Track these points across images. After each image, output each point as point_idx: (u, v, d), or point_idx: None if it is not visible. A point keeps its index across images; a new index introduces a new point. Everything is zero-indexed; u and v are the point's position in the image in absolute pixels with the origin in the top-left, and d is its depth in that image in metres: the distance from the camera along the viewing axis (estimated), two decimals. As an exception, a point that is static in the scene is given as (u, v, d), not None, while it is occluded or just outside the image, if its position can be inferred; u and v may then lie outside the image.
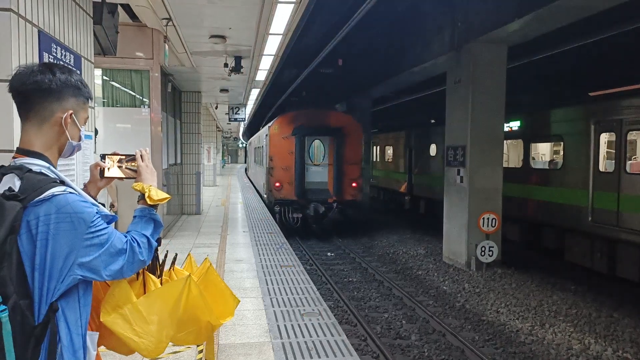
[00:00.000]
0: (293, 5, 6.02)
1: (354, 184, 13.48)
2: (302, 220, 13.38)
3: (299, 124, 13.54)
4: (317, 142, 13.68)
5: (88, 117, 1.64)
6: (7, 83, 2.16)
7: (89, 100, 1.59)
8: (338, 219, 13.74)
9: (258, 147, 19.52)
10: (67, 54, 2.74)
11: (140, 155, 1.71)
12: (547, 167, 10.82)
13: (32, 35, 2.34)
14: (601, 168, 9.09)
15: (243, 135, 55.59)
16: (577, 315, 7.46)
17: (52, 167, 1.47)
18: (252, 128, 46.52)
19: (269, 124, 14.51)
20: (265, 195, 14.93)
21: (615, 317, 7.35)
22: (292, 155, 13.38)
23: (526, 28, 8.66)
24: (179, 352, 3.82)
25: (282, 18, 6.60)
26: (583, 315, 7.43)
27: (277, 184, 13.49)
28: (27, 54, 2.30)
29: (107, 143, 8.21)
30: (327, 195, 13.33)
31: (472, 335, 6.79)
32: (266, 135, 14.54)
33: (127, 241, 1.47)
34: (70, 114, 1.49)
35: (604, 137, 9.19)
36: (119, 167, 1.70)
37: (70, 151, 1.58)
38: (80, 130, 1.55)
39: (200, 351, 3.82)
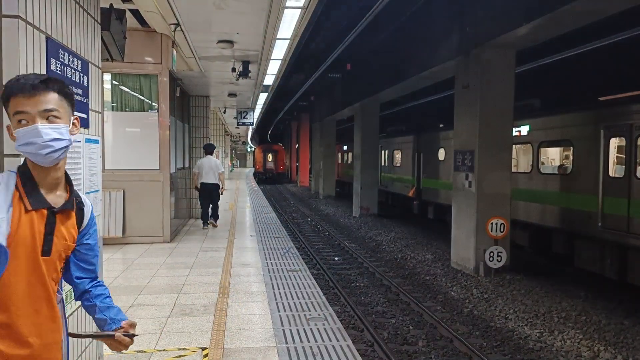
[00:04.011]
0: (300, 10, 6.04)
1: (281, 167, 43.16)
2: (263, 177, 41.29)
3: (264, 148, 43.38)
4: (270, 153, 42.78)
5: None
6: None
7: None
8: (276, 179, 41.91)
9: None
10: (75, 59, 2.77)
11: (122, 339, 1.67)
12: (557, 172, 10.74)
13: (39, 42, 2.36)
14: (611, 173, 9.00)
15: (251, 139, 56.05)
16: (587, 322, 7.38)
17: None
18: (261, 133, 49.65)
19: (254, 148, 52.28)
20: (254, 170, 45.36)
21: (626, 325, 7.26)
22: (262, 158, 43.00)
23: (535, 32, 8.62)
24: (184, 355, 3.83)
25: (290, 23, 6.63)
26: (593, 322, 7.34)
27: (258, 166, 43.40)
28: (35, 60, 2.32)
29: (116, 147, 8.29)
30: (273, 171, 42.42)
31: (480, 342, 6.73)
32: (254, 151, 51.02)
33: None
34: None
35: (614, 142, 9.10)
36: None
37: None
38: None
39: (206, 355, 3.83)
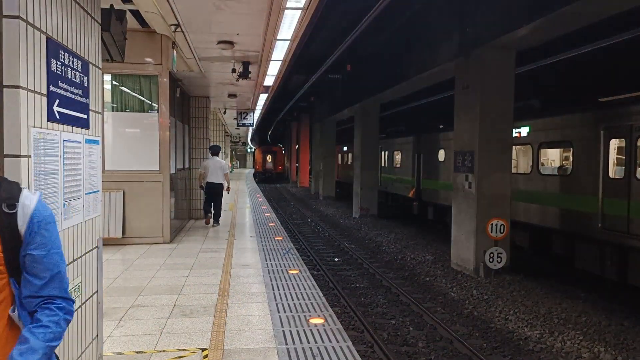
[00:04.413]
0: (300, 11, 6.04)
1: (280, 167, 46.54)
2: (263, 177, 44.47)
3: (264, 150, 46.56)
4: (269, 154, 45.99)
5: None
6: (16, 89, 2.19)
7: None
8: (275, 178, 44.90)
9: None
10: (75, 60, 2.77)
11: None
12: (557, 173, 10.74)
13: (40, 42, 2.36)
14: (611, 174, 9.00)
15: (251, 140, 56.49)
16: (587, 323, 7.38)
17: None
18: (261, 134, 51.01)
19: (255, 149, 54.14)
20: (254, 170, 48.02)
21: (626, 326, 7.26)
22: (262, 159, 46.09)
23: (535, 34, 8.62)
24: (184, 356, 3.82)
25: (290, 24, 6.63)
26: (593, 324, 7.34)
27: (258, 166, 46.36)
28: (35, 60, 2.32)
29: (116, 147, 8.29)
30: (272, 171, 45.55)
31: (480, 343, 6.73)
32: (255, 151, 52.31)
33: None
34: None
35: (614, 143, 9.11)
36: None
37: None
38: None
39: (205, 356, 3.82)
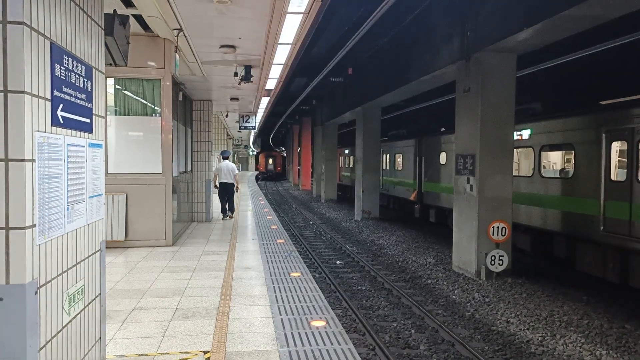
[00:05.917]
0: (302, 15, 6.08)
1: (278, 168, 61.24)
2: (265, 176, 57.63)
3: (266, 154, 60.95)
4: (270, 158, 60.48)
5: None
6: (20, 94, 2.22)
7: None
8: (275, 177, 58.36)
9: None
10: (79, 65, 2.80)
11: None
12: (558, 176, 10.75)
13: (44, 47, 2.39)
14: (613, 177, 9.01)
15: (253, 143, 57.28)
16: (589, 326, 7.38)
17: None
18: (263, 137, 53.51)
19: (258, 152, 70.04)
20: (258, 171, 62.48)
21: (628, 329, 7.25)
22: (264, 161, 60.29)
23: (535, 37, 8.64)
24: (186, 359, 3.84)
25: (291, 28, 6.66)
26: (594, 326, 7.34)
27: (261, 167, 61.15)
28: (40, 65, 2.35)
29: (118, 151, 8.33)
30: (272, 171, 59.26)
31: (482, 346, 6.73)
32: (258, 156, 68.40)
33: None
34: None
35: (616, 146, 9.11)
36: None
37: None
38: None
39: (207, 359, 3.84)
